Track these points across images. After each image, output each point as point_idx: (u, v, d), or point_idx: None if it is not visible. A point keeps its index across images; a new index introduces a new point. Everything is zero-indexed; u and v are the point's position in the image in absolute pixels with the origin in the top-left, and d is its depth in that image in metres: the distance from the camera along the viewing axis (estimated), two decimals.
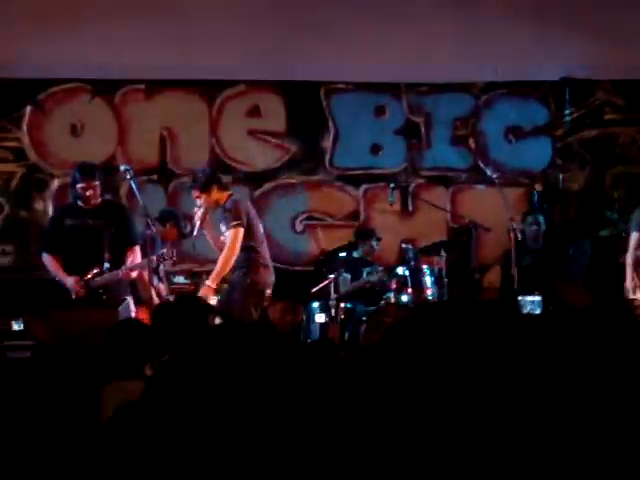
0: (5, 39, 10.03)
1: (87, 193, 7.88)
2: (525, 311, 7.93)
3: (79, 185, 7.88)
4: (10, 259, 10.43)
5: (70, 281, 7.79)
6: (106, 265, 7.83)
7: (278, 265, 10.67)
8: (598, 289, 8.99)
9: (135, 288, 8.43)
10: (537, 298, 8.50)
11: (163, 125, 10.72)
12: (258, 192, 10.79)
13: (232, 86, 10.82)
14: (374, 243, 10.10)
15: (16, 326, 8.13)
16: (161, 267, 8.84)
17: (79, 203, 7.97)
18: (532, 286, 8.86)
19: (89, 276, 7.78)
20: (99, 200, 8.00)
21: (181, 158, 10.75)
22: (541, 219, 9.73)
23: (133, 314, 7.82)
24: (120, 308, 7.67)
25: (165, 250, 8.20)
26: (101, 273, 7.83)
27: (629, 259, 8.38)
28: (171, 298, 8.82)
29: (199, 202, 8.31)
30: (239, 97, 10.85)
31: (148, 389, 1.99)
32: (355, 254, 10.09)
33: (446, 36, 10.48)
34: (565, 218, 10.65)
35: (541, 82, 10.88)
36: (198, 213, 8.33)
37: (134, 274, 8.07)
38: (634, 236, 8.40)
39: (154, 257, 7.94)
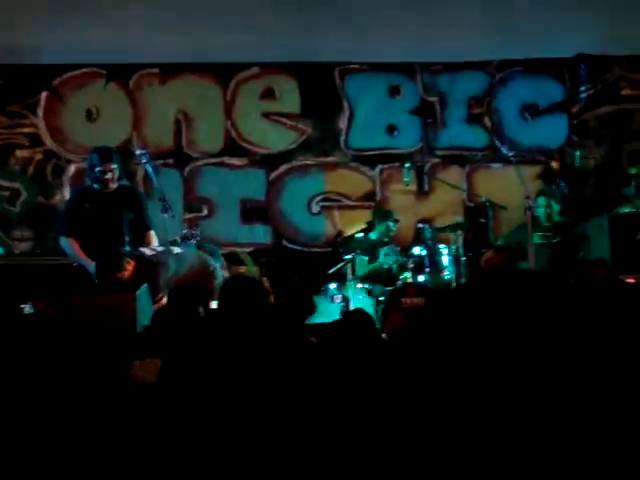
0: (20, 26, 10.04)
1: (106, 176, 7.87)
2: None
3: (98, 169, 7.88)
4: (29, 245, 10.48)
5: (94, 265, 7.76)
6: (127, 248, 7.84)
7: (295, 247, 10.73)
8: (618, 265, 8.95)
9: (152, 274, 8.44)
10: None
11: (178, 109, 10.74)
12: (274, 174, 10.80)
13: (246, 69, 10.82)
14: (391, 224, 10.09)
15: (27, 309, 8.15)
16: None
17: (96, 187, 7.97)
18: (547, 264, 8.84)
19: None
20: (116, 185, 8.00)
21: (196, 141, 10.77)
22: (553, 202, 9.68)
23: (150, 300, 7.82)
24: (138, 292, 7.68)
25: (185, 230, 8.19)
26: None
27: None
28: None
29: None
30: (253, 79, 10.86)
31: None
32: (372, 235, 10.08)
33: (459, 14, 10.43)
34: (582, 195, 10.61)
35: (556, 59, 10.84)
36: None
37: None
38: None
39: (178, 238, 7.94)
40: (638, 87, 10.86)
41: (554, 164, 10.68)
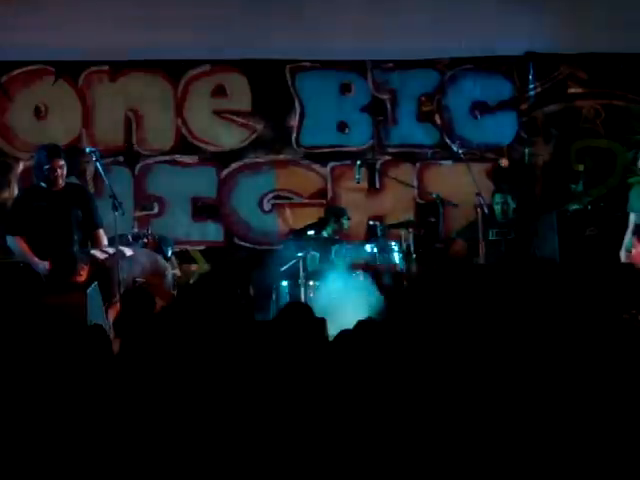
0: None
1: (55, 174, 7.81)
2: None
3: (46, 166, 7.81)
4: None
5: (44, 265, 7.69)
6: (75, 247, 7.79)
7: (247, 244, 10.71)
8: (567, 262, 9.06)
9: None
10: None
11: (128, 106, 10.67)
12: (225, 172, 10.78)
13: (197, 66, 10.78)
14: (344, 222, 10.11)
15: None
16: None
17: (43, 185, 7.89)
18: (499, 259, 8.93)
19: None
20: (64, 182, 7.93)
21: (147, 139, 10.71)
22: (509, 198, 9.76)
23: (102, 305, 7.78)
24: (89, 290, 7.63)
25: (136, 230, 8.15)
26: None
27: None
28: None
29: None
30: (204, 77, 10.81)
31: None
32: (324, 233, 10.09)
33: (410, 12, 10.48)
34: (531, 192, 10.70)
35: (505, 57, 10.91)
36: None
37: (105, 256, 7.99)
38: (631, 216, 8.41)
39: (129, 236, 7.90)
40: (586, 85, 10.98)
41: (503, 161, 10.76)
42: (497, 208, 9.59)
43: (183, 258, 10.34)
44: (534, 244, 9.46)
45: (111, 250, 7.79)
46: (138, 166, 10.69)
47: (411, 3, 10.50)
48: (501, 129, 10.93)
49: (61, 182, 7.87)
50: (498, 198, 9.68)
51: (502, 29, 10.47)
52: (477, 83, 10.95)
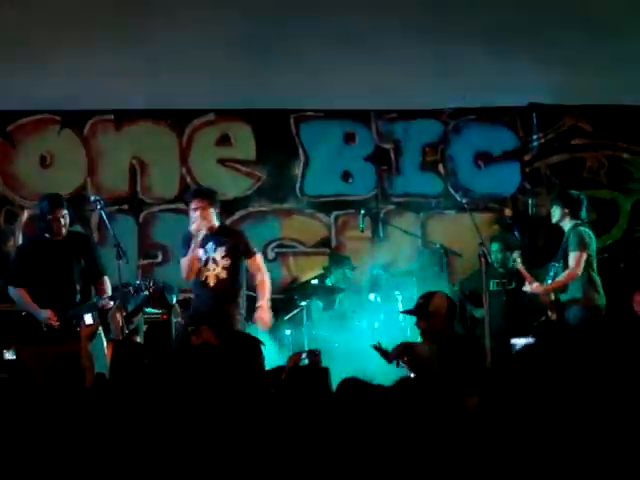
0: None
1: (57, 224, 7.81)
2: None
3: (49, 216, 7.81)
4: None
5: (45, 314, 7.67)
6: (78, 297, 7.79)
7: (251, 293, 10.69)
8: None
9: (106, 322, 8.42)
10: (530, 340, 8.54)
11: (133, 155, 10.73)
12: (229, 220, 10.79)
13: (201, 115, 10.84)
14: (348, 271, 10.11)
15: (8, 355, 8.06)
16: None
17: (46, 235, 7.89)
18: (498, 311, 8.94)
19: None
20: (66, 232, 7.92)
21: (151, 188, 10.75)
22: (504, 246, 9.74)
23: (105, 344, 7.77)
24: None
25: (139, 281, 8.14)
26: (75, 305, 7.77)
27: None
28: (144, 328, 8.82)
29: (198, 215, 8.00)
30: (209, 126, 10.89)
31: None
32: (328, 281, 10.09)
33: (414, 63, 10.55)
34: (535, 242, 10.70)
35: (509, 108, 10.98)
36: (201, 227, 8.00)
37: (112, 304, 7.99)
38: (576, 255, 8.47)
39: (131, 288, 7.88)
40: (588, 136, 11.03)
41: (507, 211, 10.77)
42: (494, 257, 9.58)
43: (187, 306, 10.31)
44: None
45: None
46: (142, 214, 10.72)
47: (414, 54, 10.56)
48: (504, 179, 10.97)
49: (64, 231, 7.87)
50: (494, 247, 9.68)
51: (505, 80, 10.52)
52: (480, 134, 11.01)
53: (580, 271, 8.40)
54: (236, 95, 10.51)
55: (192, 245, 7.92)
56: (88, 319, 7.56)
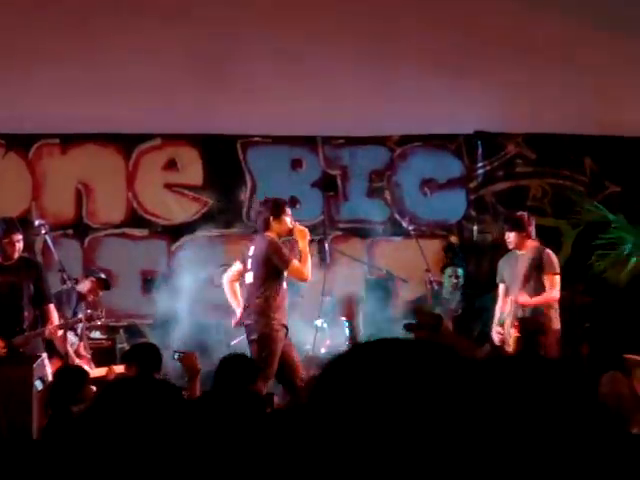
0: None
1: (12, 248, 7.72)
2: None
3: (5, 240, 7.71)
4: None
5: None
6: (25, 324, 7.70)
7: (196, 318, 10.64)
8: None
9: (49, 343, 8.30)
10: None
11: (79, 179, 10.66)
12: (175, 245, 10.75)
13: (148, 140, 10.81)
14: (298, 298, 10.08)
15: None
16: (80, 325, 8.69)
17: None
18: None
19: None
20: (17, 256, 7.84)
21: (97, 212, 10.68)
22: (460, 272, 9.84)
23: (48, 370, 7.68)
24: (35, 365, 7.54)
25: (89, 310, 8.06)
26: (23, 332, 7.68)
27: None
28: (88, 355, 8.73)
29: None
30: (155, 150, 10.85)
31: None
32: None
33: (362, 89, 10.61)
34: (479, 270, 10.79)
35: (455, 135, 11.08)
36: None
37: (60, 332, 7.90)
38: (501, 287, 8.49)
39: (80, 316, 7.81)
40: (532, 164, 11.17)
41: (453, 238, 10.85)
42: (448, 282, 9.63)
43: (132, 333, 10.25)
44: (482, 321, 9.50)
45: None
46: (87, 239, 10.63)
47: (363, 80, 10.62)
48: (450, 206, 11.05)
49: (16, 256, 7.79)
50: (449, 271, 9.75)
51: (452, 107, 10.59)
52: (427, 160, 11.09)
53: (559, 294, 8.34)
54: (183, 120, 10.49)
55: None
56: (39, 385, 7.43)
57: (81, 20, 10.28)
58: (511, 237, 8.50)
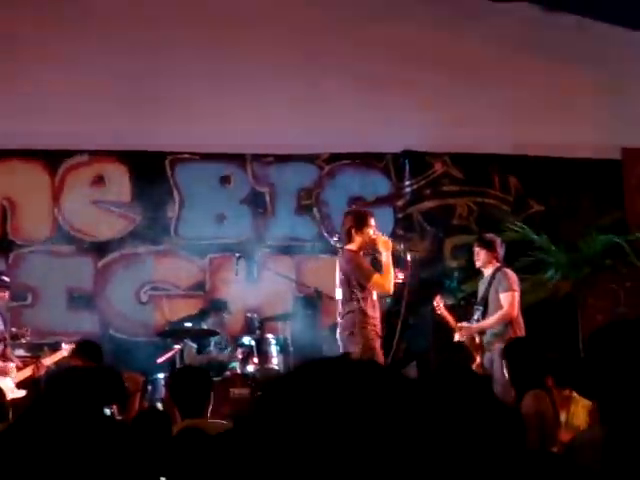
0: None
1: None
2: None
3: None
4: None
5: None
6: None
7: (122, 336, 10.56)
8: (442, 357, 9.18)
9: None
10: None
11: (3, 195, 10.52)
12: (102, 262, 10.66)
13: (75, 155, 10.72)
14: (225, 315, 10.07)
15: None
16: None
17: None
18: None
19: None
20: None
21: (22, 228, 10.55)
22: None
23: None
24: None
25: (14, 329, 7.99)
26: None
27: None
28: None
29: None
30: (82, 167, 10.76)
31: None
32: (204, 324, 10.01)
33: (289, 108, 10.65)
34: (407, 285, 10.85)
35: (383, 154, 11.17)
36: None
37: None
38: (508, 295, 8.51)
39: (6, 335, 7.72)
40: (459, 183, 11.30)
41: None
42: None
43: (56, 350, 10.12)
44: (407, 338, 9.57)
45: None
46: (12, 255, 10.50)
47: (291, 98, 10.66)
48: (378, 224, 11.09)
49: None
50: None
51: (380, 125, 10.68)
52: (355, 178, 11.16)
53: (516, 312, 8.36)
54: (111, 136, 10.42)
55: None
56: None
57: (6, 34, 10.19)
58: (481, 255, 8.59)
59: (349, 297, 7.80)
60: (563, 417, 6.52)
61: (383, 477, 1.35)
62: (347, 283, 7.84)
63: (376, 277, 7.77)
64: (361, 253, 7.98)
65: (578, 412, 6.68)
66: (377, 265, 7.94)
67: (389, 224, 11.12)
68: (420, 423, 1.41)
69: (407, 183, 11.22)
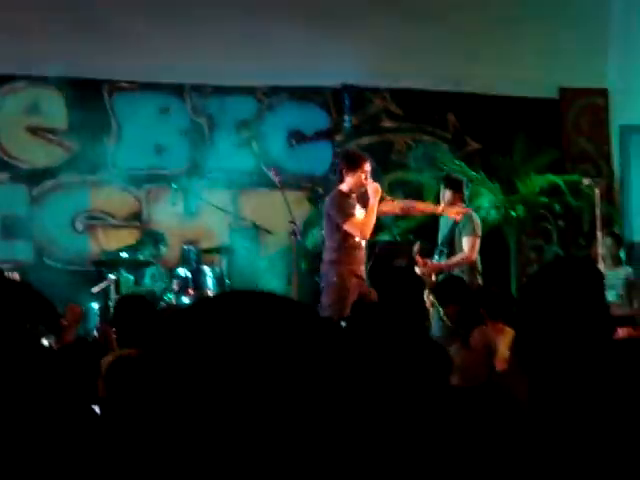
0: None
1: None
2: None
3: None
4: None
5: None
6: None
7: (57, 265, 10.50)
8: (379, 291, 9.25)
9: None
10: None
11: None
12: (37, 190, 10.55)
13: (11, 81, 10.53)
14: (162, 247, 10.03)
15: None
16: None
17: None
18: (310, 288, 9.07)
19: None
20: None
21: None
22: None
23: None
24: None
25: None
26: None
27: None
28: None
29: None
30: (18, 93, 10.57)
31: None
32: (140, 256, 9.96)
33: (232, 40, 10.55)
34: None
35: (322, 88, 11.14)
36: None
37: None
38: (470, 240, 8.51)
39: None
40: (397, 119, 11.33)
41: (319, 191, 10.93)
42: (314, 237, 9.72)
43: None
44: None
45: None
46: None
47: (232, 31, 10.56)
48: (316, 159, 11.13)
49: None
50: (315, 231, 9.82)
51: (321, 59, 10.62)
52: (294, 112, 11.13)
53: (475, 256, 8.39)
54: (47, 62, 10.23)
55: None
56: None
57: None
58: (446, 195, 8.60)
59: (329, 236, 7.87)
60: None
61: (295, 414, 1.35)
62: (329, 225, 7.89)
63: (353, 219, 7.79)
64: (353, 196, 7.98)
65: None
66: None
67: (327, 158, 11.14)
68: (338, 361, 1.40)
69: (346, 118, 11.22)
